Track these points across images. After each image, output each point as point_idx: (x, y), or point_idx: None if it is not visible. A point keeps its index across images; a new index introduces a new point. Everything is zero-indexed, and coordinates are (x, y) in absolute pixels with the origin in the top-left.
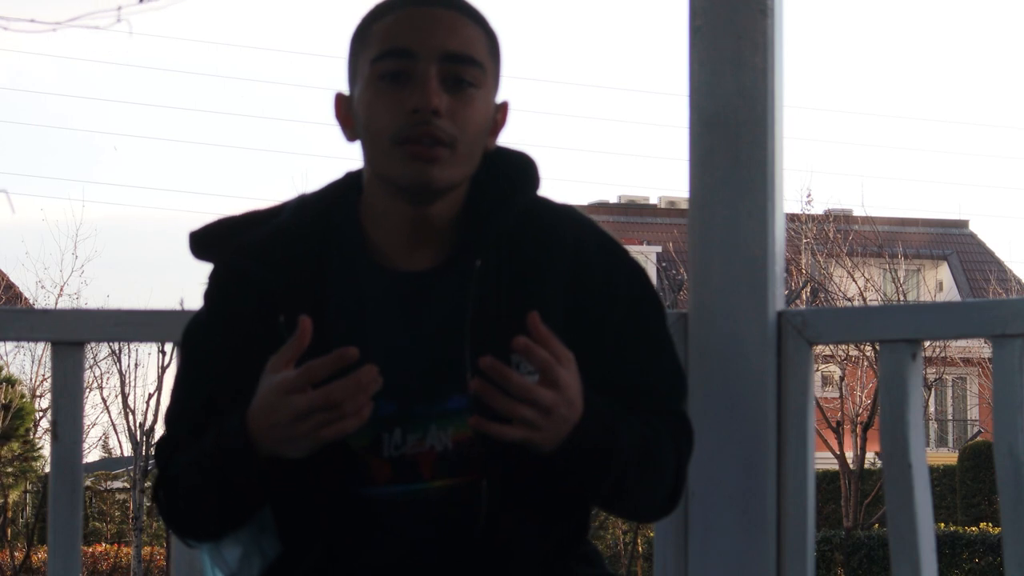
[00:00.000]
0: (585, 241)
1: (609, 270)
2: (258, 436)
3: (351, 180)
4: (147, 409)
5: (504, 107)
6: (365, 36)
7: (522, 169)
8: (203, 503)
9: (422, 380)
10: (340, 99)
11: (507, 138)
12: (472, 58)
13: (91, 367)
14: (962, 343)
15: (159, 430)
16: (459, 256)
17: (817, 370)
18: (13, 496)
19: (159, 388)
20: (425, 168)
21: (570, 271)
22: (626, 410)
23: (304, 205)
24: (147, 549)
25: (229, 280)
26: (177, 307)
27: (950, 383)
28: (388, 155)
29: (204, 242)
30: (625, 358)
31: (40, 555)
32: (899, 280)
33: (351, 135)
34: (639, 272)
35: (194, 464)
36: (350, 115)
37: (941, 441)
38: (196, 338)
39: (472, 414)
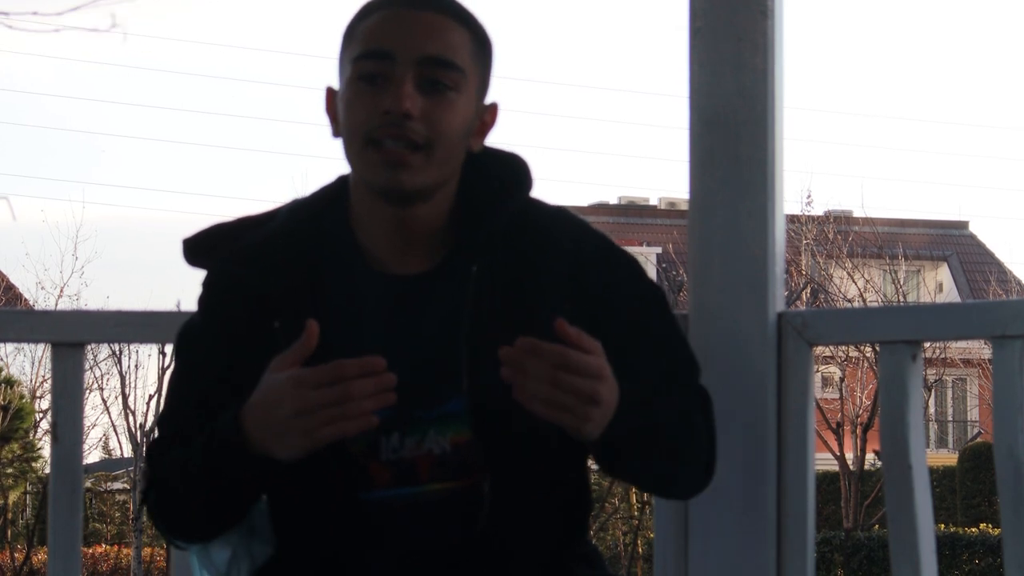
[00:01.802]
0: (582, 243)
1: (608, 270)
2: (252, 431)
3: (343, 183)
4: (147, 410)
5: (493, 108)
6: (351, 34)
7: (514, 170)
8: (193, 500)
9: (420, 384)
10: (330, 93)
11: (507, 139)
12: (451, 62)
13: (91, 368)
14: (962, 344)
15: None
16: (453, 259)
17: (817, 371)
18: (13, 497)
19: (159, 389)
20: (396, 172)
21: (568, 273)
22: (655, 391)
23: (297, 209)
24: (147, 550)
25: (223, 286)
26: (177, 308)
27: (950, 384)
28: (361, 157)
29: (198, 248)
30: (639, 352)
31: (40, 556)
32: (899, 281)
33: (337, 130)
34: (636, 266)
35: (185, 461)
36: (337, 111)
37: (941, 442)
38: (189, 344)
39: (470, 417)
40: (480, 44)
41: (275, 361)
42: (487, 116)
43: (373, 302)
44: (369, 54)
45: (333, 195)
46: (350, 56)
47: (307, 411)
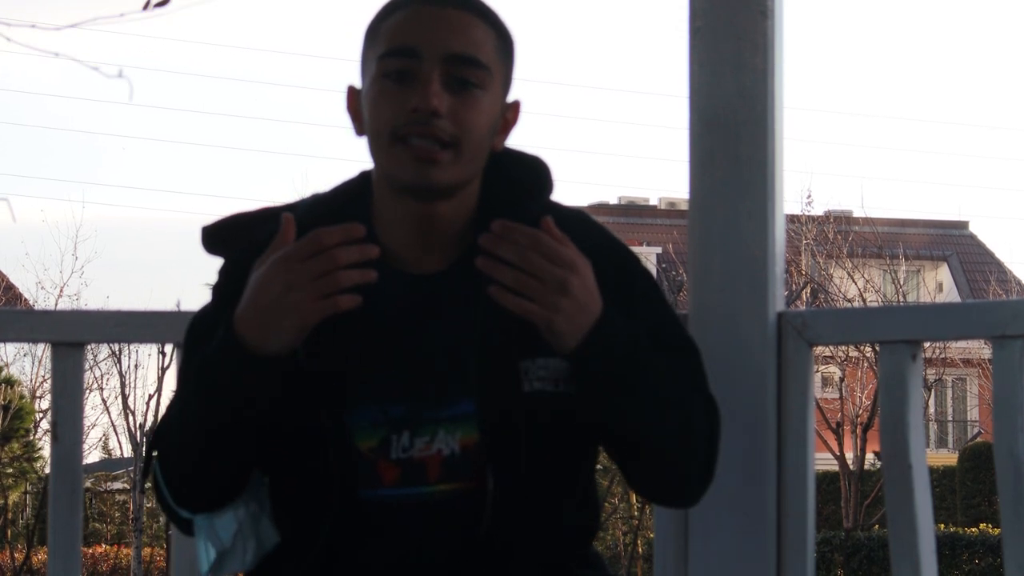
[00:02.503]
0: (600, 248)
1: (626, 279)
2: (246, 330)
3: (365, 180)
4: (147, 410)
5: (515, 106)
6: (375, 32)
7: (535, 173)
8: (195, 436)
9: (432, 383)
10: (352, 92)
11: (507, 139)
12: (476, 60)
13: (91, 368)
14: (962, 344)
15: None
16: (470, 259)
17: (817, 371)
18: (13, 497)
19: (159, 389)
20: (426, 168)
21: None
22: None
23: (318, 204)
24: (147, 550)
25: (238, 275)
26: (177, 308)
27: (950, 384)
28: (389, 153)
29: (216, 237)
30: None
31: (40, 556)
32: (899, 281)
33: (360, 129)
34: (649, 275)
35: (184, 399)
36: (359, 109)
37: (941, 442)
38: (203, 331)
39: (481, 419)
40: (503, 41)
41: (259, 261)
42: (510, 114)
43: (389, 299)
44: (395, 51)
45: (355, 191)
46: (375, 54)
47: (297, 285)
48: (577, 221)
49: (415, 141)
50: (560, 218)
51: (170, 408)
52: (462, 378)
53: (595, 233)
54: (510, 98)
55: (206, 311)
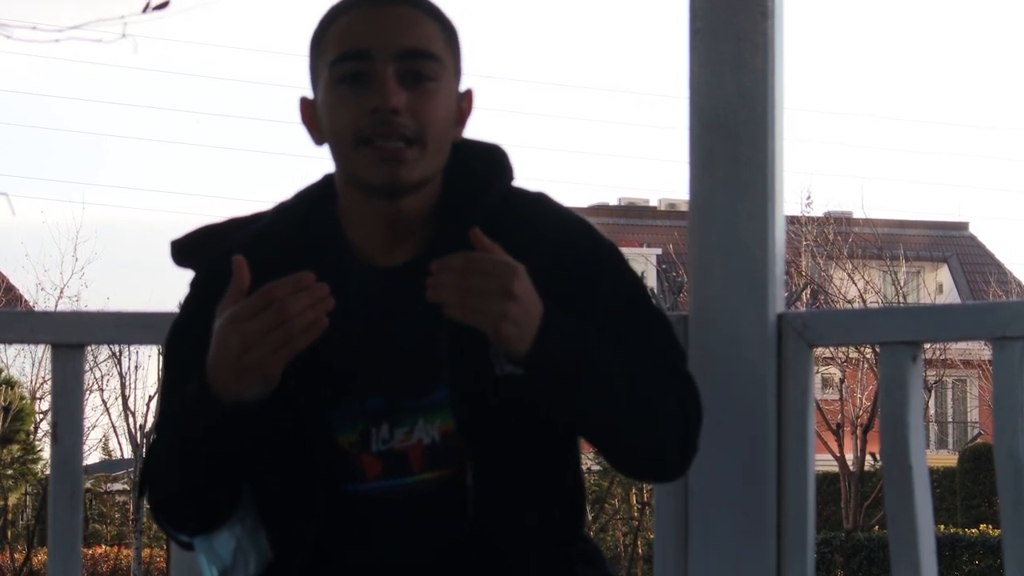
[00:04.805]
0: (563, 230)
1: (590, 258)
2: (216, 384)
3: (328, 181)
4: (147, 411)
5: (468, 95)
6: (322, 40)
7: (494, 160)
8: (182, 475)
9: (407, 374)
10: (305, 103)
11: (507, 140)
12: (428, 52)
13: (91, 369)
14: (962, 345)
15: None
16: (437, 248)
17: (817, 372)
18: (13, 498)
19: (159, 390)
20: (394, 168)
21: (549, 261)
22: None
23: (284, 209)
24: (147, 551)
25: (210, 285)
26: (177, 310)
27: (950, 385)
28: (354, 157)
29: (185, 249)
30: (621, 337)
31: (40, 557)
32: (899, 282)
33: (319, 138)
34: (617, 255)
35: (170, 439)
36: (315, 119)
37: (941, 443)
38: (178, 344)
39: (455, 404)
40: (449, 32)
41: (218, 309)
42: (464, 104)
43: (360, 295)
44: (346, 55)
45: (319, 194)
46: (326, 61)
47: (252, 343)
48: (537, 205)
49: (380, 142)
50: (521, 203)
51: (157, 432)
52: (437, 366)
53: (556, 216)
54: (462, 88)
55: (181, 326)
